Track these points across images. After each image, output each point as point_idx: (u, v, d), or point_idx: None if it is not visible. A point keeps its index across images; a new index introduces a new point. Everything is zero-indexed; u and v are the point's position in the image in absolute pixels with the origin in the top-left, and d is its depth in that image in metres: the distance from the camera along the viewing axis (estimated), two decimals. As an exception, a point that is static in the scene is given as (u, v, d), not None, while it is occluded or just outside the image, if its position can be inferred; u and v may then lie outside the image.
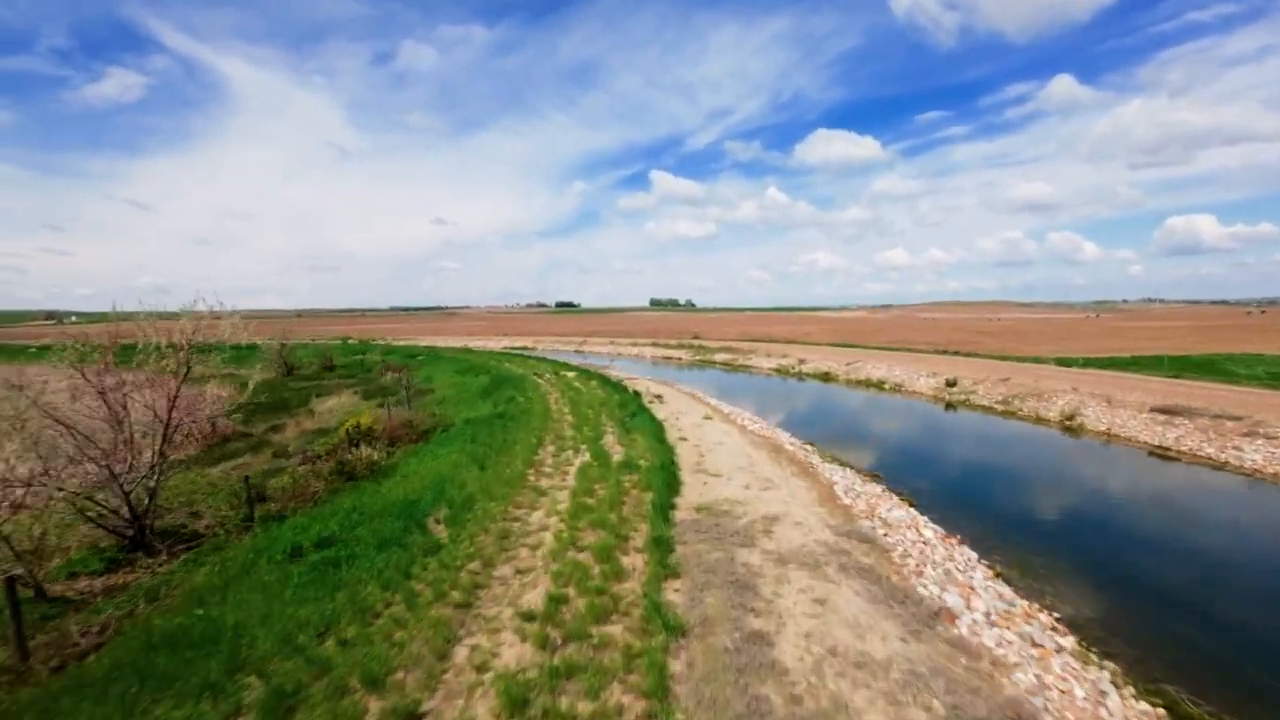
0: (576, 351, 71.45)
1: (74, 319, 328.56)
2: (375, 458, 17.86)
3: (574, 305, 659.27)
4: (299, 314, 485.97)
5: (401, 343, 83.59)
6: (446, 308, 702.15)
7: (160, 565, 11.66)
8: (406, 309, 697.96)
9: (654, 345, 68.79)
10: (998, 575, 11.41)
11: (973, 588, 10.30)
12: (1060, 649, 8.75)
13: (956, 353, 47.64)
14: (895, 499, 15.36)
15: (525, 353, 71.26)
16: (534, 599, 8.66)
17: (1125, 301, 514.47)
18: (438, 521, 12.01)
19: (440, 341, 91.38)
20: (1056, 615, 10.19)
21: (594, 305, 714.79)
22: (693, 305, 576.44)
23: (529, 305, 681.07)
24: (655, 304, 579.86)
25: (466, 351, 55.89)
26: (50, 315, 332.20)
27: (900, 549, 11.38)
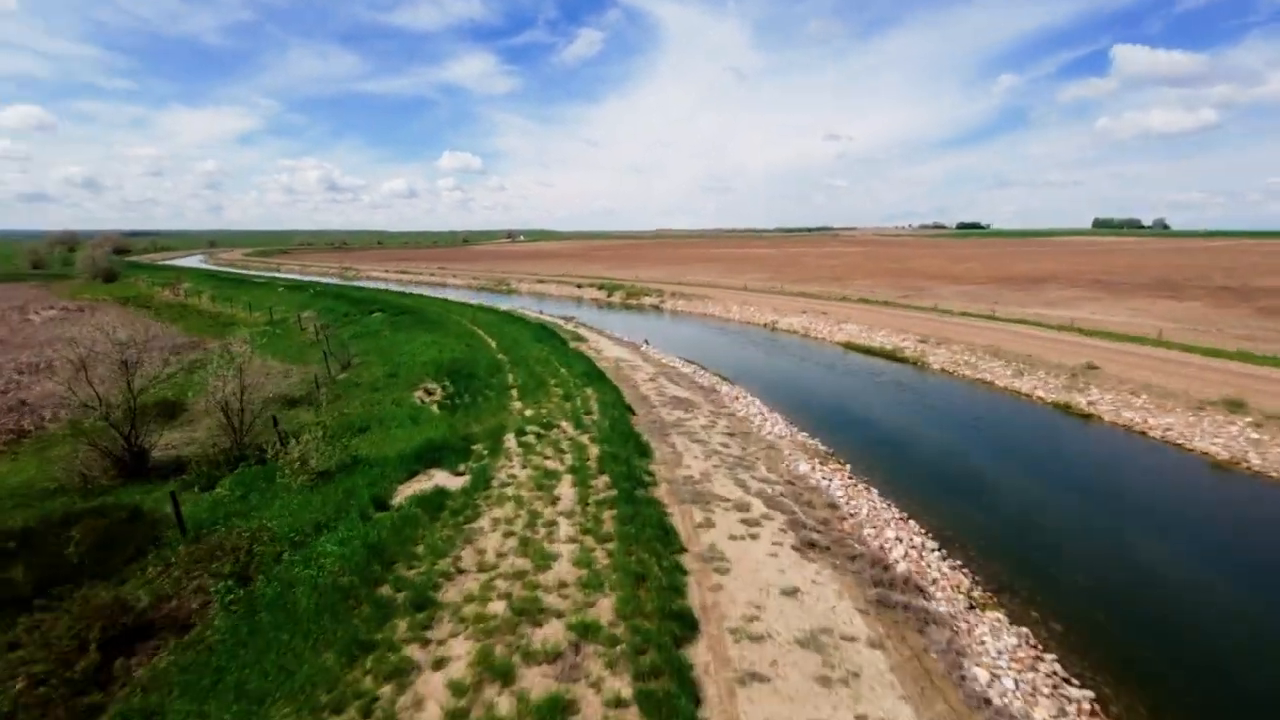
0: (1090, 414, 21.72)
1: (522, 237, 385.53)
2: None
3: (980, 226, 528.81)
4: (689, 234, 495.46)
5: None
6: (832, 229, 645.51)
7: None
8: (791, 230, 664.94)
9: None
10: None
11: None
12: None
13: None
14: None
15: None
16: None
17: None
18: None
19: (759, 307, 48.86)
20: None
21: (1007, 226, 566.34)
22: (1165, 227, 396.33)
23: (923, 226, 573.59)
24: (1102, 225, 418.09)
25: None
26: (509, 234, 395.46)
27: None
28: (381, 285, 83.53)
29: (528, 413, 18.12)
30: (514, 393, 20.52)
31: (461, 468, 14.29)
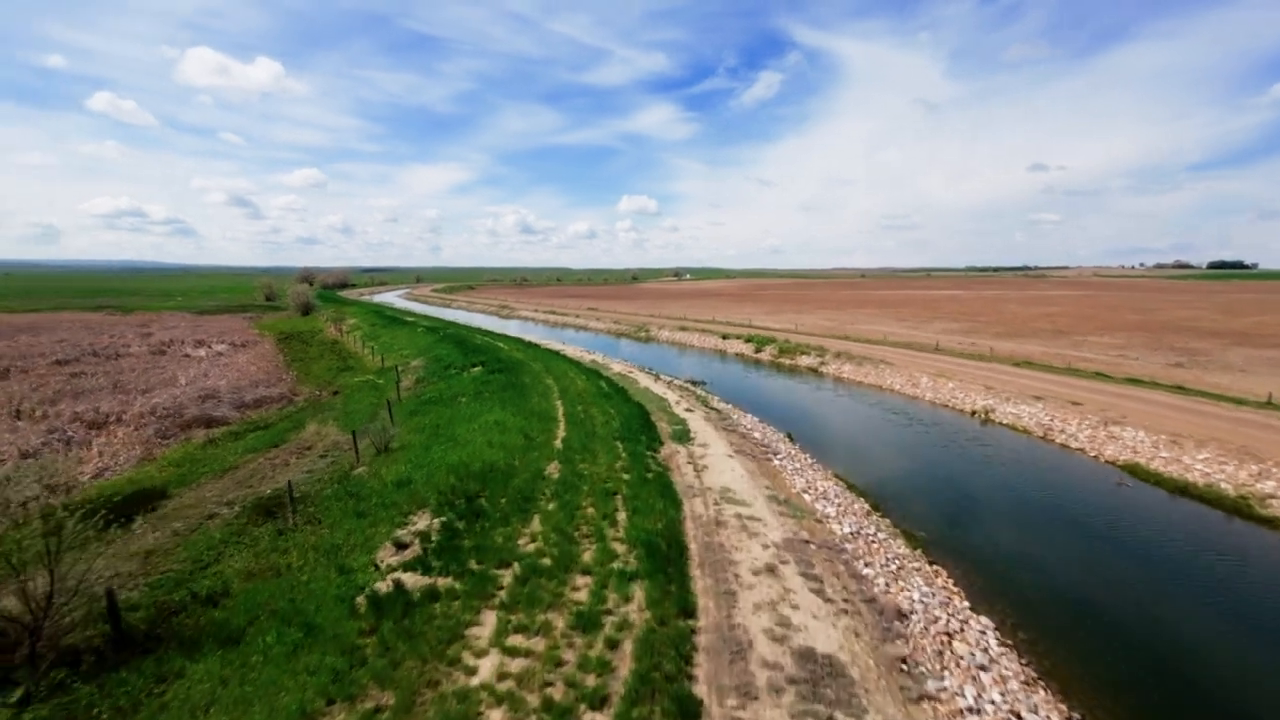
0: None
1: (688, 275, 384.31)
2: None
3: (1241, 265, 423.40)
4: (863, 274, 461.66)
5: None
6: (1035, 268, 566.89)
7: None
8: (985, 269, 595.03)
9: None
10: None
11: None
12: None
13: None
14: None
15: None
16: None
17: None
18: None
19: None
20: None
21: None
22: None
23: (1160, 265, 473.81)
24: None
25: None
26: (676, 272, 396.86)
27: None
28: (528, 324, 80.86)
29: (485, 668, 8.64)
30: (508, 577, 11.16)
31: None
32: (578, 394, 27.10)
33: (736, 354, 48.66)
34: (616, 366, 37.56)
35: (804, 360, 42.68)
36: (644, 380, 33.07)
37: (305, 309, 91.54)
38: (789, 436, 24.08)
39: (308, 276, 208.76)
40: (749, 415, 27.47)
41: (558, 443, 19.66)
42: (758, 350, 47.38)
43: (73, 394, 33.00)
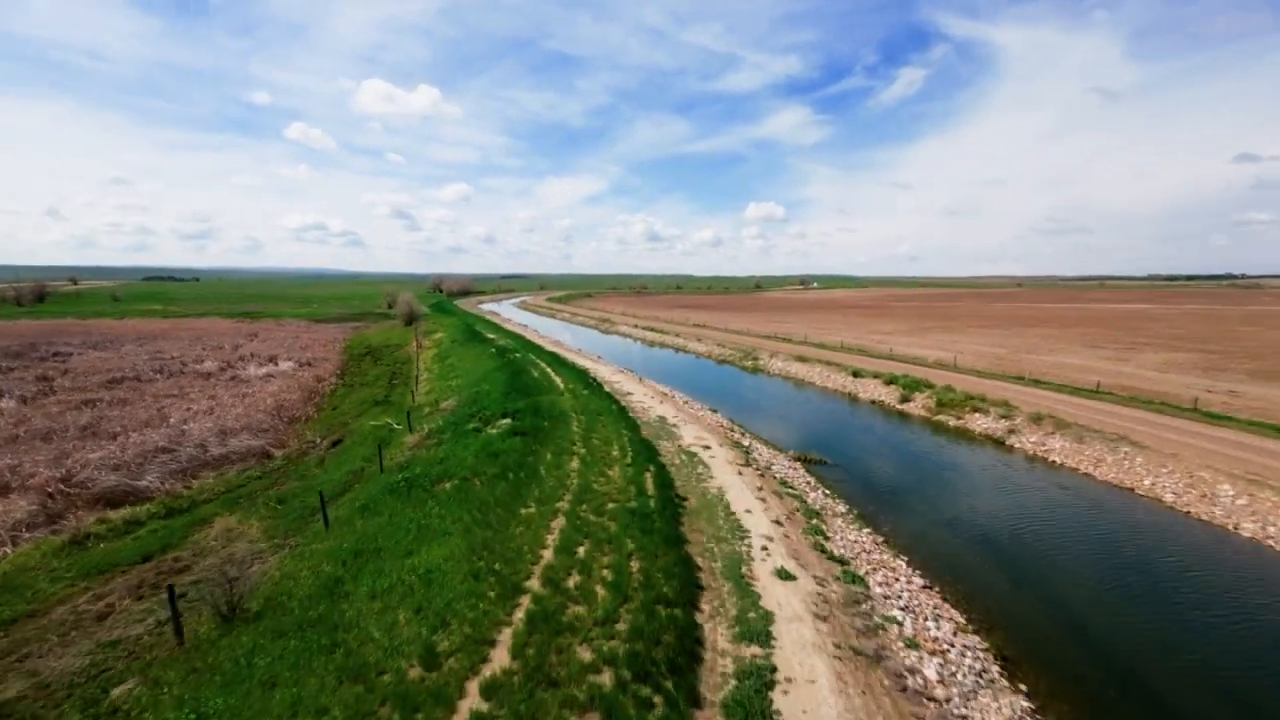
0: None
1: (815, 284, 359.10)
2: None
3: None
4: (1020, 283, 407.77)
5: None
6: (1243, 277, 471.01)
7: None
8: (1174, 278, 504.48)
9: None
10: None
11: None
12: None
13: None
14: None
15: None
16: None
17: None
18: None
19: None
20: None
21: None
22: None
23: None
24: None
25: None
26: (802, 281, 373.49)
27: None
28: (624, 342, 71.29)
29: None
30: None
31: None
32: (599, 505, 15.99)
33: (872, 401, 34.94)
34: (689, 434, 25.70)
35: (979, 422, 28.28)
36: (725, 466, 21.15)
37: (409, 319, 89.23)
38: (1001, 663, 11.25)
39: (438, 284, 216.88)
40: (902, 563, 14.79)
41: (466, 704, 8.75)
42: (905, 399, 33.36)
43: (35, 435, 27.75)
